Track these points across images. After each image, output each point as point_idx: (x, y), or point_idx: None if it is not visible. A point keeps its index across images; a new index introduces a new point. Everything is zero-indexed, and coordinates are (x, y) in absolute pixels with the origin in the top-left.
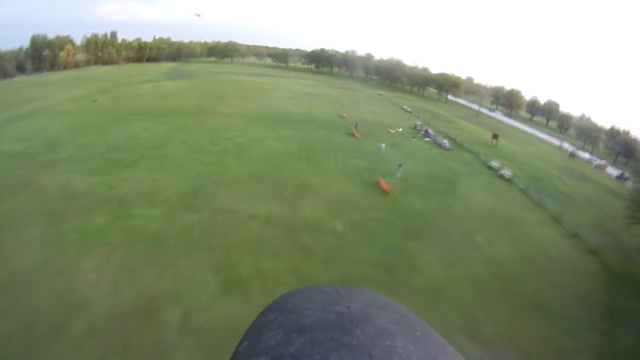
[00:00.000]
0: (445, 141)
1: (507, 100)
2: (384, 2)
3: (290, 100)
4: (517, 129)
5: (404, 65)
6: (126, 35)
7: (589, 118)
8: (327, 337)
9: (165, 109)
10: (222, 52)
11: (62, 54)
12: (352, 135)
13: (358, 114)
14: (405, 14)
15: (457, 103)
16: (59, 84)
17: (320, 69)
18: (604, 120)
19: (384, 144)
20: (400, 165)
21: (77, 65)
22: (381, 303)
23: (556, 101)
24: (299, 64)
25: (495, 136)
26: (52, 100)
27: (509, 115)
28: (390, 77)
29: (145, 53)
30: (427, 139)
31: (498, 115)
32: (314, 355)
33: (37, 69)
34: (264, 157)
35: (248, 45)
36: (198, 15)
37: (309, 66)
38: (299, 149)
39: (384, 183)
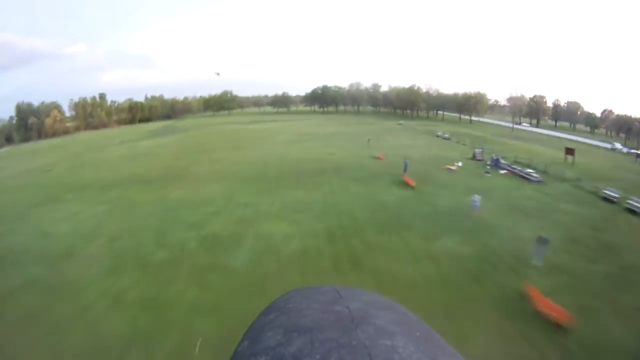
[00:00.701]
0: (531, 171)
1: (531, 109)
2: (377, 30)
3: (299, 144)
4: (560, 139)
5: (418, 90)
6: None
7: (611, 111)
8: (327, 337)
9: (123, 177)
10: (218, 104)
11: (48, 121)
12: (406, 184)
13: (394, 151)
14: (398, 38)
15: (482, 122)
16: (32, 153)
17: (324, 108)
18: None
19: (477, 197)
20: (542, 241)
21: (66, 131)
22: (381, 303)
23: (576, 101)
24: (300, 107)
25: (569, 151)
26: (3, 173)
27: (535, 125)
28: (405, 104)
29: (137, 113)
30: (502, 171)
31: (528, 126)
32: (314, 355)
33: (25, 138)
34: (256, 272)
35: (247, 97)
36: (217, 74)
37: (312, 107)
38: (328, 232)
39: (557, 310)
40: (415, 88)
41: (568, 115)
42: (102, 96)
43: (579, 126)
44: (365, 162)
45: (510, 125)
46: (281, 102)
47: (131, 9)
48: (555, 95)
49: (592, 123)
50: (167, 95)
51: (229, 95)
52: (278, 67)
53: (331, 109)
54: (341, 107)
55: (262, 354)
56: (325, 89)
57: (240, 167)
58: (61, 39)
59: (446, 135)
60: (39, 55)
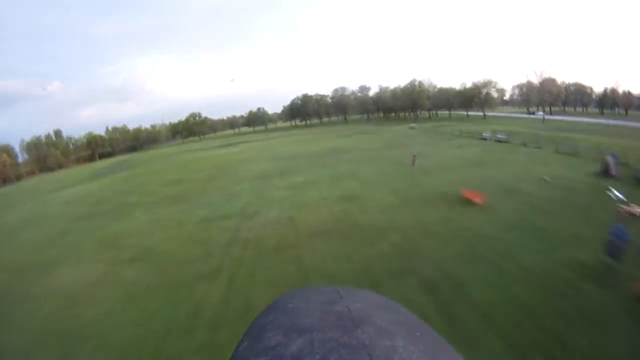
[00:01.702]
0: None
1: (543, 95)
2: (354, 28)
3: (284, 178)
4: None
5: (420, 87)
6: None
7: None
8: (327, 337)
9: None
10: (186, 129)
11: None
12: None
13: (467, 174)
14: (379, 34)
15: (497, 117)
16: None
17: (307, 121)
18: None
19: None
20: None
21: (19, 177)
22: (381, 303)
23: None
24: (279, 124)
25: None
26: None
27: (549, 113)
28: (405, 105)
29: (96, 149)
30: None
31: (557, 116)
32: (314, 355)
33: None
34: None
35: (222, 118)
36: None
37: (292, 122)
38: None
39: None
40: (417, 84)
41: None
42: (58, 133)
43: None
44: (466, 224)
45: (529, 115)
46: (257, 120)
47: (102, 43)
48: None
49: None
50: (146, 125)
51: (196, 118)
52: (252, 84)
53: (315, 121)
54: (325, 119)
55: (262, 354)
56: (305, 98)
57: (135, 289)
58: (36, 78)
59: (501, 137)
60: (15, 97)
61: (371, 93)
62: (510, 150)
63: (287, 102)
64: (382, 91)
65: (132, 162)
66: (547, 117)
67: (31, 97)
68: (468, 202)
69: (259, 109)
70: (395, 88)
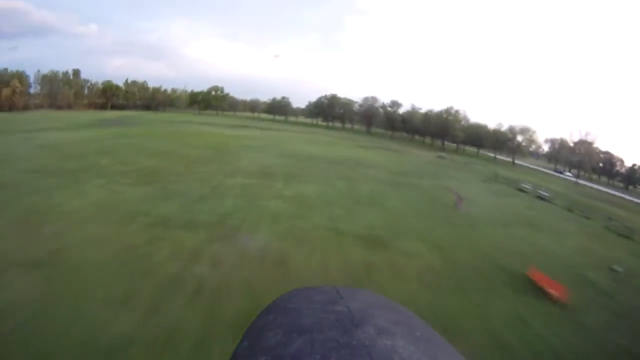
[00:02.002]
0: None
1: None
2: (401, 41)
3: (287, 181)
4: None
5: (456, 116)
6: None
7: None
8: (327, 337)
9: None
10: (205, 101)
11: (5, 92)
12: None
13: (527, 247)
14: (425, 52)
15: (525, 166)
16: None
17: (329, 123)
18: None
19: None
20: None
21: (26, 107)
22: (381, 303)
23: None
24: (301, 119)
25: None
26: None
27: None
28: (436, 131)
29: (110, 98)
30: None
31: (582, 181)
32: (314, 355)
33: None
34: None
35: (245, 100)
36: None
37: (314, 120)
38: None
39: None
40: (453, 112)
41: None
42: (76, 73)
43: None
44: (552, 340)
45: (557, 174)
46: (279, 109)
47: None
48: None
49: None
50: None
51: (218, 92)
52: (283, 73)
53: (337, 125)
54: (348, 125)
55: (262, 354)
56: (333, 99)
57: None
58: (73, 15)
59: (544, 194)
60: (49, 29)
61: (402, 110)
62: (556, 213)
63: (313, 99)
64: (413, 111)
65: (136, 120)
66: (576, 180)
67: (64, 33)
68: (540, 290)
69: (283, 97)
70: (428, 111)
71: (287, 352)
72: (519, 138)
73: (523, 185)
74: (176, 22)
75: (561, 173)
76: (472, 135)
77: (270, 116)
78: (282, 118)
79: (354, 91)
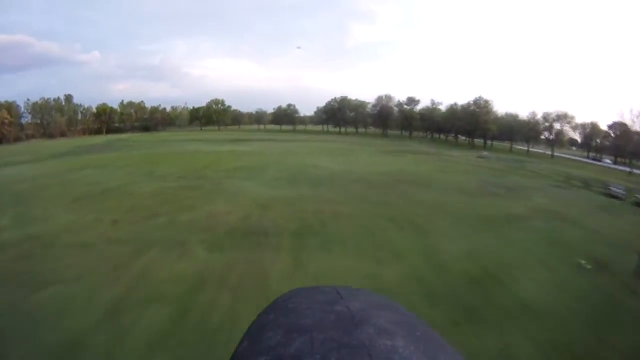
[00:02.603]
0: None
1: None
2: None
3: (296, 249)
4: None
5: (487, 107)
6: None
7: None
8: (327, 337)
9: None
10: (206, 117)
11: None
12: None
13: None
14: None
15: (564, 158)
16: None
17: (341, 128)
18: None
19: None
20: None
21: (17, 138)
22: (381, 303)
23: None
24: (310, 127)
25: None
26: None
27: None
28: (465, 126)
29: (104, 122)
30: None
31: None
32: (314, 355)
33: None
34: None
35: (250, 112)
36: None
37: (324, 127)
38: None
39: None
40: (482, 103)
41: None
42: (68, 98)
43: None
44: None
45: (594, 162)
46: (285, 118)
47: (146, 20)
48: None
49: None
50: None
51: (219, 106)
52: (289, 83)
53: (350, 129)
54: (362, 129)
55: (262, 354)
56: (343, 102)
57: None
58: (76, 44)
59: None
60: (53, 59)
61: (419, 107)
62: None
63: (322, 105)
64: (433, 107)
65: (123, 144)
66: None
67: (67, 62)
68: None
69: (289, 105)
70: (452, 105)
71: (287, 352)
72: (557, 126)
73: (614, 188)
74: (178, 42)
75: (599, 160)
76: (503, 128)
77: (277, 127)
78: (289, 128)
79: (364, 93)
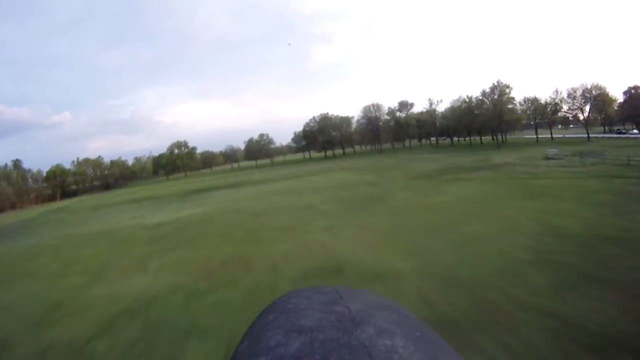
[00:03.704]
0: None
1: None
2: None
3: None
4: None
5: (509, 94)
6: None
7: None
8: (327, 337)
9: None
10: (170, 165)
11: None
12: None
13: None
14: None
15: (575, 137)
16: None
17: (327, 152)
18: None
19: None
20: None
21: None
22: (381, 303)
23: None
24: (289, 157)
25: None
26: None
27: None
28: (483, 121)
29: (57, 186)
30: None
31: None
32: (314, 355)
33: None
34: None
35: (221, 151)
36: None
37: (305, 155)
38: None
39: None
40: (503, 88)
41: None
42: (17, 164)
43: None
44: None
45: (621, 135)
46: (259, 152)
47: (112, 74)
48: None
49: None
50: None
51: (182, 149)
52: (261, 116)
53: (337, 151)
54: (349, 149)
55: (262, 354)
56: (325, 120)
57: None
58: (45, 107)
59: None
60: (25, 124)
61: (412, 112)
62: None
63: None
64: (431, 109)
65: (40, 223)
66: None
67: (40, 125)
68: None
69: (261, 136)
70: (464, 99)
71: (287, 352)
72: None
73: None
74: (146, 92)
75: (623, 133)
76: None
77: (253, 162)
78: (266, 161)
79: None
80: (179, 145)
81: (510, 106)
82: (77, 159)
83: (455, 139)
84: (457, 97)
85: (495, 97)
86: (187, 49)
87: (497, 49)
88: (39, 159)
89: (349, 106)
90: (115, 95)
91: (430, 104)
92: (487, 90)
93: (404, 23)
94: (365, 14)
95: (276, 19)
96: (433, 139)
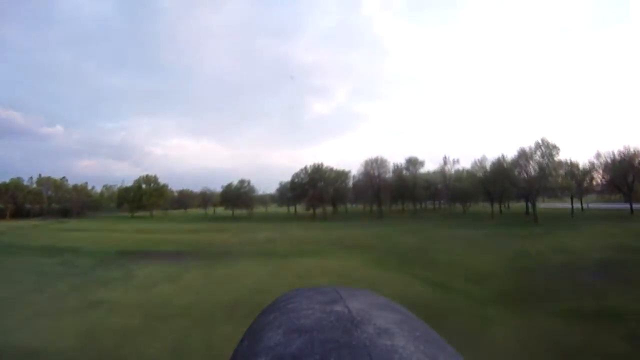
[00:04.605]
0: None
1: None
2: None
3: None
4: None
5: (554, 157)
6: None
7: None
8: (327, 337)
9: None
10: (135, 201)
11: None
12: None
13: None
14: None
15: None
16: None
17: (315, 209)
18: None
19: None
20: None
21: None
22: (381, 303)
23: None
24: (272, 208)
25: None
26: None
27: None
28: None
29: (7, 203)
30: None
31: None
32: (313, 355)
33: None
34: None
35: (201, 192)
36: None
37: (290, 209)
38: None
39: None
40: (549, 147)
41: None
42: None
43: None
44: None
45: None
46: (238, 199)
47: (110, 97)
48: None
49: None
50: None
51: (151, 185)
52: (252, 161)
53: (320, 207)
54: (342, 206)
55: (262, 354)
56: (316, 172)
57: None
58: (39, 116)
59: None
60: (16, 129)
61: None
62: None
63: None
64: (444, 170)
65: None
66: None
67: (31, 134)
68: None
69: (241, 182)
70: (497, 161)
71: (287, 352)
72: None
73: None
74: (141, 120)
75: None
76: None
77: (230, 211)
78: (243, 212)
79: (338, 164)
80: (148, 180)
81: (560, 171)
82: (39, 175)
83: (465, 205)
84: (478, 156)
85: (538, 158)
86: (185, 84)
87: (516, 104)
88: (27, 167)
89: (344, 161)
90: (109, 118)
91: (445, 163)
92: (527, 149)
93: (406, 81)
94: (366, 69)
95: (276, 67)
96: (434, 202)
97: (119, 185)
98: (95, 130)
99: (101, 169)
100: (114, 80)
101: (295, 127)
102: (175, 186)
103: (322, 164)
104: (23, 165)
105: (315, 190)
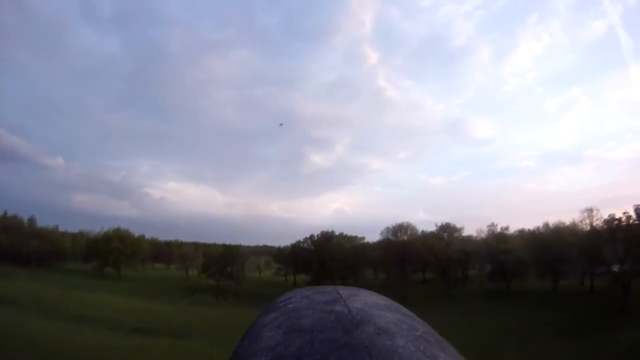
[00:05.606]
0: None
1: None
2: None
3: None
4: None
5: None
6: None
7: None
8: (327, 337)
9: None
10: (104, 254)
11: None
12: None
13: None
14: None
15: None
16: None
17: (319, 279)
18: None
19: None
20: None
21: None
22: (381, 303)
23: None
24: (266, 273)
25: None
26: None
27: None
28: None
29: None
30: None
31: None
32: (314, 355)
33: None
34: None
35: (197, 243)
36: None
37: (286, 278)
38: None
39: None
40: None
41: None
42: None
43: None
44: None
45: None
46: (224, 264)
47: (113, 134)
48: None
49: None
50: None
51: (124, 242)
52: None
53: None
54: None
55: (262, 354)
56: (325, 237)
57: None
58: (42, 146)
59: None
60: (19, 156)
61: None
62: None
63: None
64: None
65: None
66: None
67: (32, 162)
68: None
69: (227, 248)
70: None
71: (287, 352)
72: None
73: None
74: (141, 161)
75: None
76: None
77: (213, 280)
78: (230, 284)
79: (326, 225)
80: (119, 237)
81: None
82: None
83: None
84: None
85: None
86: (187, 129)
87: None
88: (25, 195)
89: (342, 214)
90: (110, 156)
91: (491, 230)
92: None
93: (406, 135)
94: (365, 122)
95: (277, 116)
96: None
97: (82, 230)
98: (96, 166)
99: (99, 206)
100: (118, 118)
101: (293, 177)
102: (166, 233)
103: (332, 232)
104: (21, 191)
105: (322, 266)
